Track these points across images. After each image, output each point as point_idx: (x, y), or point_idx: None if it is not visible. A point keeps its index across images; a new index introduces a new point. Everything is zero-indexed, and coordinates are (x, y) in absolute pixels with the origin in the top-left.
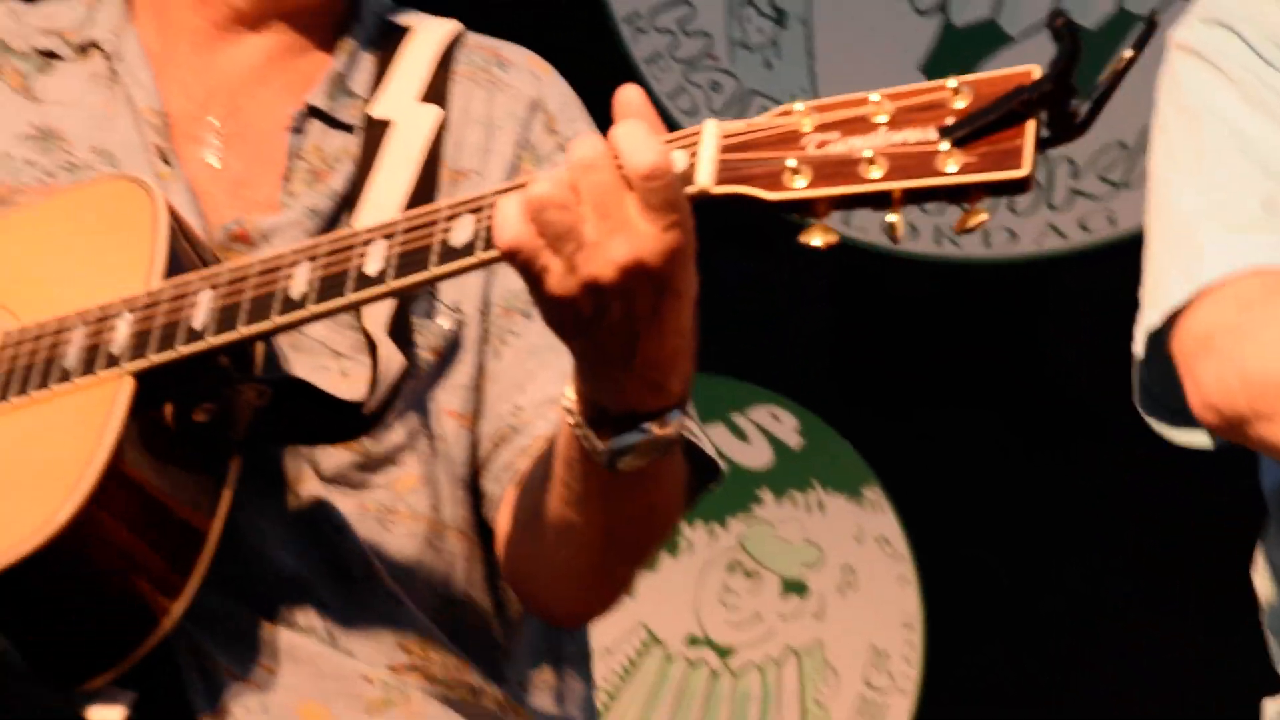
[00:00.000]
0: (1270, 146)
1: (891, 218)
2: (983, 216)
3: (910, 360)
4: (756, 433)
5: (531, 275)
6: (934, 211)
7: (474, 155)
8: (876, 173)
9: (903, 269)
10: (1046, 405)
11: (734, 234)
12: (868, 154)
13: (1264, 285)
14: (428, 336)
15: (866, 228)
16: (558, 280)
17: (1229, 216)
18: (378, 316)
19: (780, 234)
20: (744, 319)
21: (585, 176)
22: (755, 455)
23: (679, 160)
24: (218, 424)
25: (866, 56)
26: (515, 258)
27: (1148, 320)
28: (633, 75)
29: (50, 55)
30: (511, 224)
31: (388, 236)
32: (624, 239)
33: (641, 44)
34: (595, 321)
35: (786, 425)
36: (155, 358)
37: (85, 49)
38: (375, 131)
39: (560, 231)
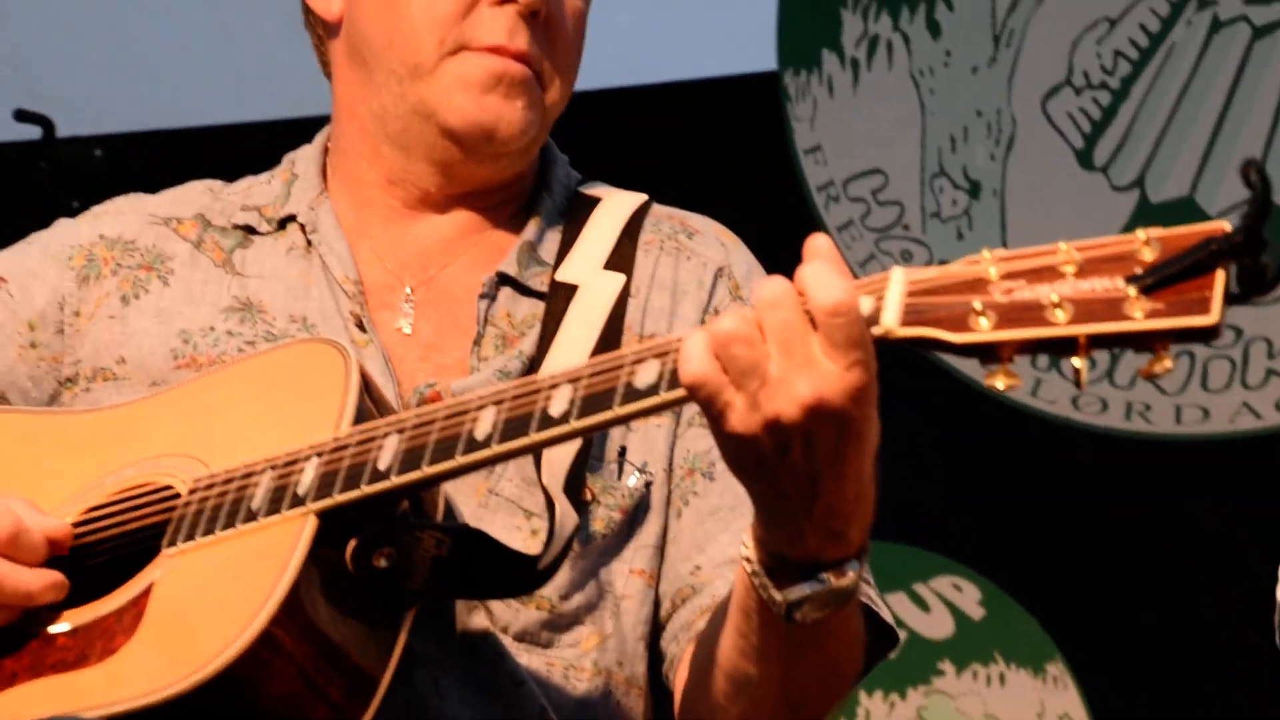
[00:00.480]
0: None
1: (1077, 363)
2: (1168, 364)
3: (1098, 534)
4: (938, 602)
5: (714, 412)
6: (1124, 386)
7: (660, 319)
8: (1063, 317)
9: (1092, 442)
10: (1233, 587)
11: (918, 397)
12: (1054, 299)
13: None
14: (616, 496)
15: (1056, 399)
16: (741, 417)
17: None
18: (556, 475)
19: (970, 399)
20: (928, 487)
21: (770, 313)
22: (936, 626)
23: (865, 304)
24: (396, 570)
25: (1060, 230)
26: (699, 393)
27: None
28: None
29: (249, 230)
30: (696, 359)
31: (573, 380)
32: (807, 376)
33: (834, 212)
34: (776, 461)
35: (969, 596)
36: (340, 497)
37: (283, 223)
38: (561, 296)
39: (745, 367)
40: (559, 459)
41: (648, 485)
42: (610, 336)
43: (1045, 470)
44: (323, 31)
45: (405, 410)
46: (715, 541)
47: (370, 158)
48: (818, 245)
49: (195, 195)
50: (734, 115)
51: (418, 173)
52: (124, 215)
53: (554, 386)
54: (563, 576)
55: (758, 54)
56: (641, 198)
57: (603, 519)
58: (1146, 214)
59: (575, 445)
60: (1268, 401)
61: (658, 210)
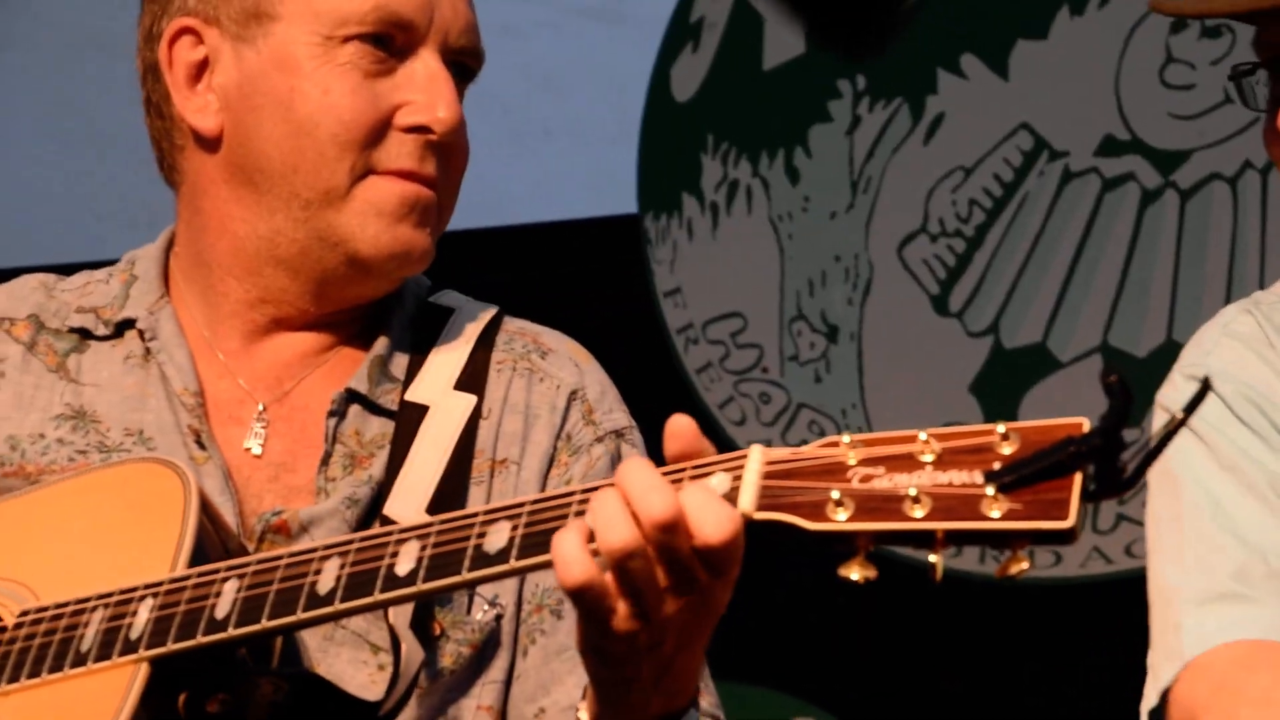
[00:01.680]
0: (1243, 513)
1: (933, 558)
2: (1024, 565)
3: (947, 676)
4: None
5: (597, 613)
6: None
7: (512, 444)
8: (920, 512)
9: (946, 586)
10: None
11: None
12: (912, 492)
13: (1235, 661)
14: (466, 630)
15: None
16: (624, 620)
17: (1202, 590)
18: (404, 611)
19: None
20: (780, 629)
21: (662, 536)
22: None
23: (722, 483)
24: (231, 717)
25: (916, 374)
26: (584, 595)
27: (1148, 701)
28: (683, 385)
29: (85, 334)
30: (579, 563)
31: (421, 538)
32: (693, 587)
33: (694, 355)
34: (645, 652)
35: None
36: (174, 645)
37: (120, 328)
38: (411, 417)
39: (641, 582)
40: None
41: (498, 619)
42: (461, 461)
43: (897, 610)
44: (181, 140)
45: (247, 535)
46: (561, 684)
47: (243, 276)
48: (680, 430)
49: (29, 292)
50: (595, 257)
51: (298, 293)
52: None
53: (401, 542)
54: (409, 714)
55: (619, 197)
56: (492, 310)
57: (451, 654)
58: (1000, 359)
59: None
60: (1118, 547)
61: (510, 326)
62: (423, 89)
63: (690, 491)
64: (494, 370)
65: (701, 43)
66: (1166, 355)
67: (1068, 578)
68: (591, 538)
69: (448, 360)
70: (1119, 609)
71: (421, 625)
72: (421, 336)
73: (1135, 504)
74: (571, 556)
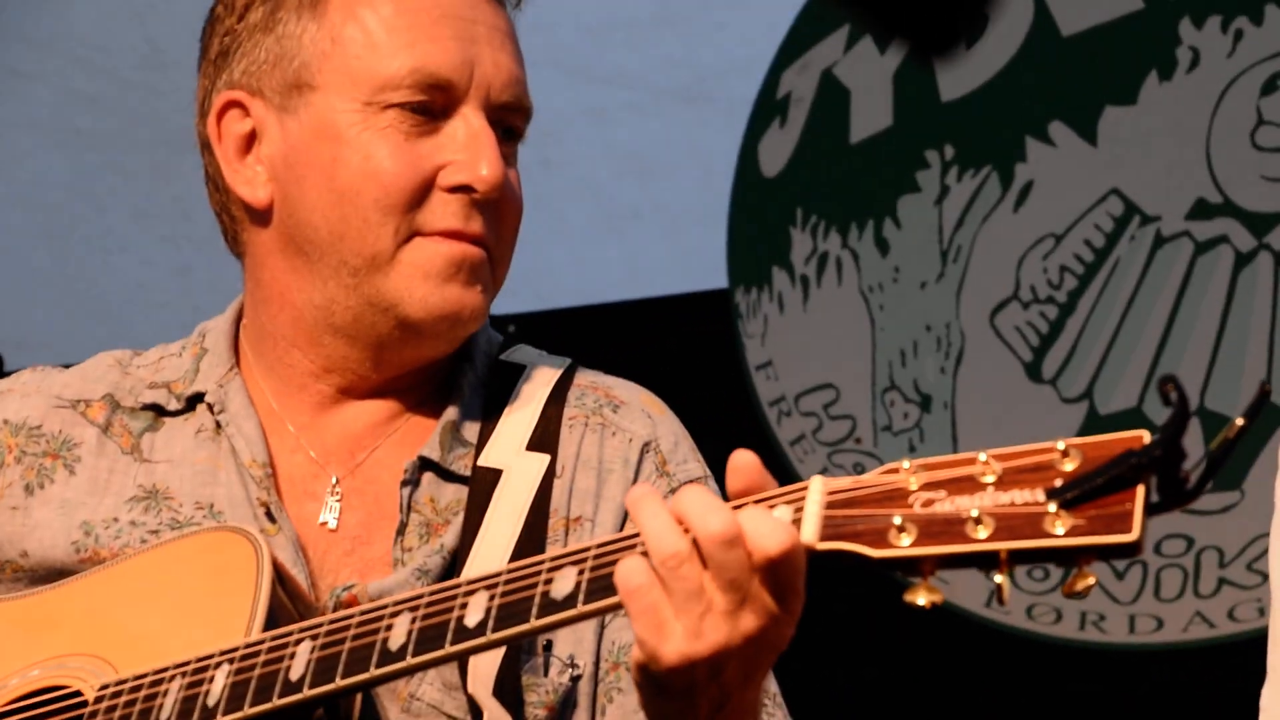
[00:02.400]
0: None
1: (998, 578)
2: (1090, 580)
3: None
4: None
5: (654, 631)
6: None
7: (585, 501)
8: (983, 533)
9: (1047, 652)
10: None
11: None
12: (974, 513)
13: None
14: (541, 693)
15: (1010, 609)
16: (680, 643)
17: None
18: (484, 679)
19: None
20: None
21: (721, 551)
22: None
23: (783, 514)
24: None
25: (1011, 442)
26: (640, 604)
27: None
28: (778, 458)
29: (158, 410)
30: (636, 573)
31: (489, 588)
32: (754, 612)
33: (786, 427)
34: (706, 683)
35: None
36: (251, 710)
37: (191, 401)
38: (485, 482)
39: (691, 589)
40: (486, 657)
41: (574, 680)
42: (536, 523)
43: (1000, 682)
44: (239, 213)
45: (322, 609)
46: None
47: (306, 346)
48: (742, 464)
49: (104, 371)
50: (687, 332)
51: (359, 359)
52: (30, 397)
53: (470, 594)
54: None
55: (708, 274)
56: (564, 364)
57: (529, 717)
58: (1095, 425)
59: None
60: (1220, 611)
61: (581, 380)
62: (464, 148)
63: (748, 511)
64: (566, 427)
65: (789, 118)
66: (1264, 417)
67: (1170, 643)
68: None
69: (520, 420)
70: (1222, 675)
71: (506, 692)
72: (493, 397)
73: (1238, 567)
74: (630, 566)
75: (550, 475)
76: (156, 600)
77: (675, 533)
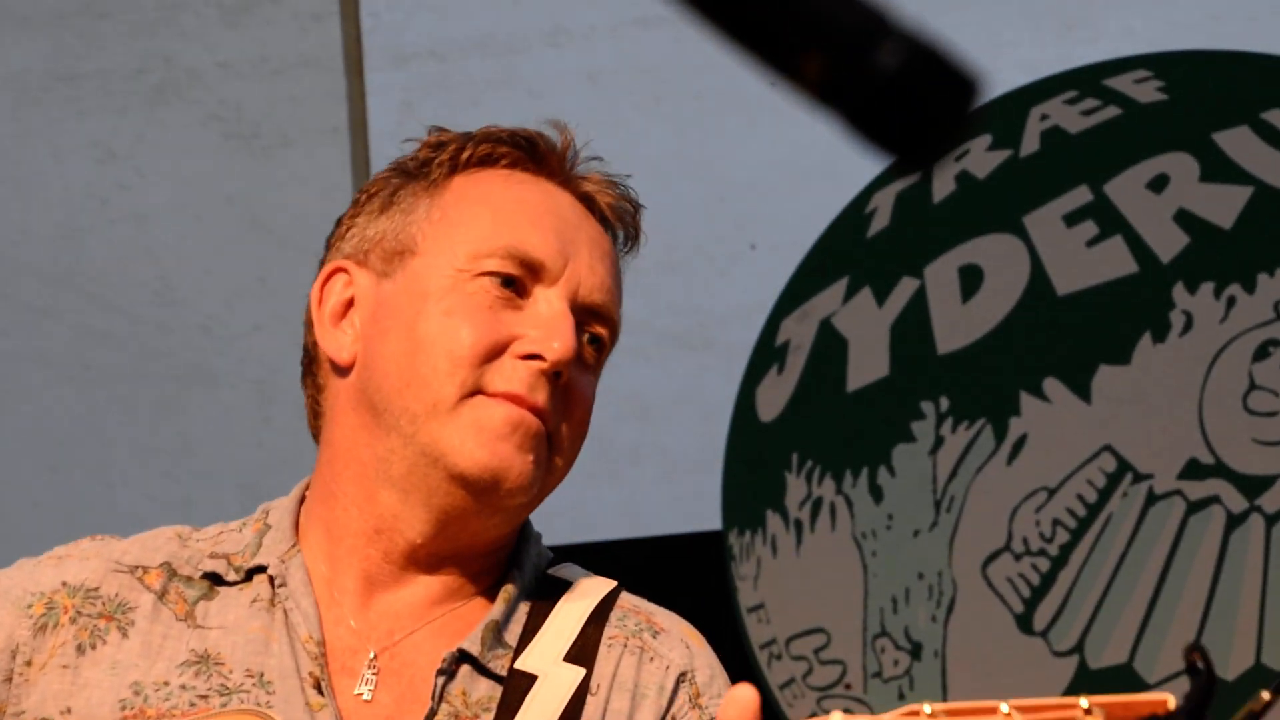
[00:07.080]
0: None
1: None
2: None
3: None
4: None
5: None
6: None
7: None
8: None
9: None
10: None
11: None
12: None
13: None
14: None
15: None
16: None
17: None
18: None
19: None
20: None
21: None
22: None
23: None
24: None
25: (1001, 693)
26: None
27: None
28: (767, 702)
29: (216, 579)
30: None
31: None
32: None
33: (777, 670)
34: None
35: None
36: None
37: (250, 574)
38: (519, 685)
39: None
40: None
41: None
42: None
43: None
44: (324, 379)
45: None
46: None
47: (362, 504)
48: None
49: (163, 543)
50: (679, 573)
51: (409, 520)
52: (89, 560)
53: None
54: None
55: (702, 517)
56: (610, 585)
57: None
58: (1085, 679)
59: None
60: None
61: (625, 602)
62: (542, 324)
63: None
64: (605, 645)
65: (787, 365)
66: (1254, 679)
67: None
68: None
69: (560, 631)
70: None
71: None
72: (538, 606)
73: None
74: None
75: (584, 689)
76: None
77: None
